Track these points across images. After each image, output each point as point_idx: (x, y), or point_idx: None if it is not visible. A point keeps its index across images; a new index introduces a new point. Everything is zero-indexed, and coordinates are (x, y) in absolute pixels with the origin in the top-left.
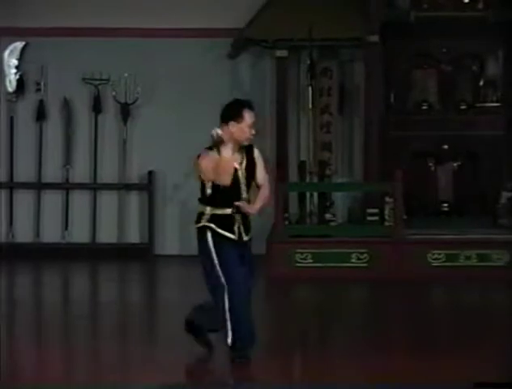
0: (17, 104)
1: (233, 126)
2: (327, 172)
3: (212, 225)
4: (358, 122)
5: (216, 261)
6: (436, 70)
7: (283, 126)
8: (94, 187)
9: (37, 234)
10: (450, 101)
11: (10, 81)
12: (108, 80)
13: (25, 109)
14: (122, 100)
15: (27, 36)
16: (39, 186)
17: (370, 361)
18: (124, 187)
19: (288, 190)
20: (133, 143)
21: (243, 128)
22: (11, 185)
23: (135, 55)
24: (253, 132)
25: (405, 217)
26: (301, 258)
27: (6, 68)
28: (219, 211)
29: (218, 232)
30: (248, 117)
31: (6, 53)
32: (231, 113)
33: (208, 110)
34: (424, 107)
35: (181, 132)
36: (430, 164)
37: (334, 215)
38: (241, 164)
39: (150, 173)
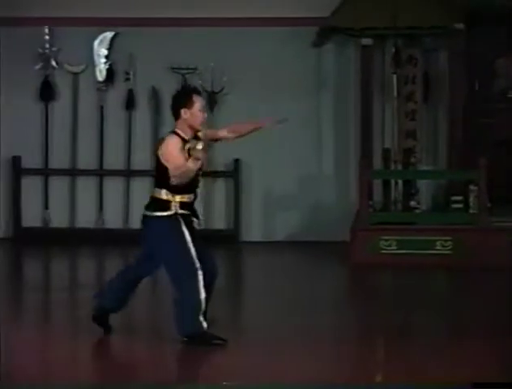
0: (107, 93)
1: (186, 113)
2: (412, 160)
3: (185, 212)
4: (442, 110)
5: (190, 245)
6: None
7: (367, 114)
8: None
9: (126, 220)
10: None
11: (100, 71)
12: (195, 69)
13: (114, 99)
14: (209, 89)
15: (117, 26)
16: (127, 174)
17: (451, 348)
18: (210, 175)
19: (373, 178)
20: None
21: (195, 113)
22: (101, 173)
23: (222, 45)
24: (205, 116)
25: (489, 205)
26: (386, 245)
27: (96, 58)
28: (186, 199)
29: (190, 219)
30: (198, 101)
31: (96, 42)
32: (181, 100)
33: (292, 99)
34: (509, 95)
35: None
36: None
37: (418, 203)
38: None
39: (236, 160)
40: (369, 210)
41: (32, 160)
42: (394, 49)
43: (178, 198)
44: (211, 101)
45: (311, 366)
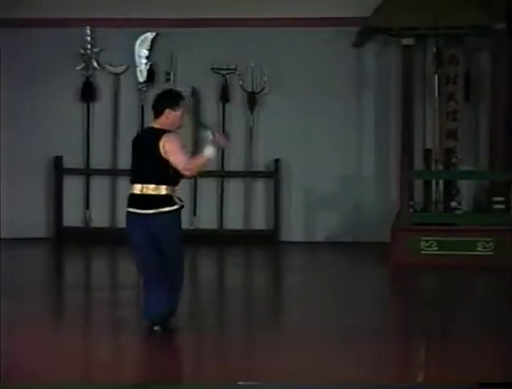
0: (147, 93)
1: (169, 113)
2: (453, 160)
3: (182, 204)
4: (484, 110)
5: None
6: None
7: (408, 114)
8: (221, 175)
9: None
10: None
11: (140, 71)
12: (235, 70)
13: None
14: (249, 89)
15: (158, 27)
16: None
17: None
18: (250, 175)
19: (413, 178)
20: (259, 131)
21: (178, 115)
22: None
23: (262, 45)
24: (183, 122)
25: None
26: (426, 246)
27: (137, 58)
28: (179, 192)
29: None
30: (182, 105)
31: (137, 43)
32: (168, 101)
33: (333, 99)
34: None
35: (306, 120)
36: None
37: (459, 204)
38: None
39: (276, 160)
40: (409, 210)
41: (73, 160)
42: (435, 49)
43: (175, 193)
44: (251, 101)
45: (351, 366)
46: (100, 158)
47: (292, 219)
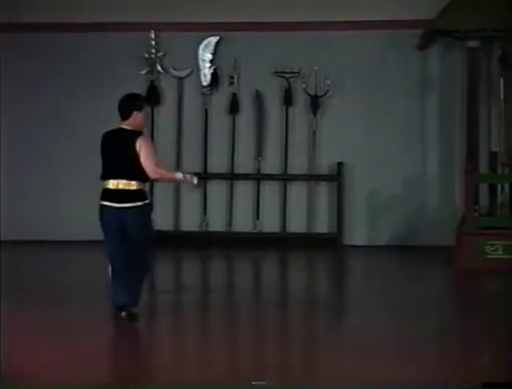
0: (211, 97)
1: (137, 115)
2: None
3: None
4: None
5: None
6: None
7: (473, 116)
8: (284, 178)
9: (230, 223)
10: None
11: (204, 75)
12: (298, 73)
13: (219, 102)
14: (312, 93)
15: (222, 31)
16: (231, 177)
17: None
18: (313, 178)
19: (478, 182)
20: (322, 134)
21: (143, 116)
22: (205, 176)
23: (325, 48)
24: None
25: None
26: (492, 250)
27: (200, 62)
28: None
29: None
30: (145, 106)
31: (201, 47)
32: (134, 104)
33: (397, 102)
34: None
35: (369, 123)
36: None
37: None
38: None
39: (339, 164)
40: (474, 214)
41: None
42: (500, 52)
43: (145, 187)
44: (314, 105)
45: (413, 368)
46: (164, 161)
47: (355, 222)
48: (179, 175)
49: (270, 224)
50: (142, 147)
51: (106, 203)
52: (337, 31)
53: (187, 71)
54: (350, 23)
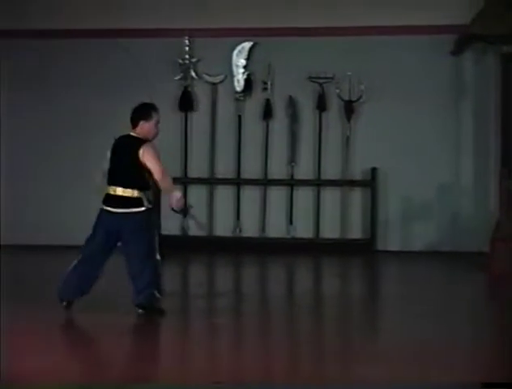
0: (244, 102)
1: (144, 124)
2: None
3: (150, 206)
4: None
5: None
6: None
7: (508, 122)
8: (317, 183)
9: (263, 229)
10: None
11: (238, 80)
12: (332, 78)
13: (252, 108)
14: (346, 98)
15: (255, 37)
16: (265, 183)
17: None
18: (347, 184)
19: None
20: (356, 139)
21: (151, 126)
22: (239, 182)
23: (359, 53)
24: (158, 131)
25: None
26: None
27: (234, 68)
28: (150, 196)
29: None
30: (155, 116)
31: (235, 53)
32: (141, 112)
33: (431, 107)
34: None
35: (403, 129)
36: None
37: None
38: None
39: (373, 169)
40: (509, 221)
41: (171, 169)
42: None
43: (146, 195)
44: (348, 110)
45: (450, 372)
46: (198, 167)
47: (389, 228)
48: (177, 194)
49: (303, 229)
50: (145, 154)
51: (104, 207)
52: (371, 36)
53: (221, 77)
54: (383, 28)
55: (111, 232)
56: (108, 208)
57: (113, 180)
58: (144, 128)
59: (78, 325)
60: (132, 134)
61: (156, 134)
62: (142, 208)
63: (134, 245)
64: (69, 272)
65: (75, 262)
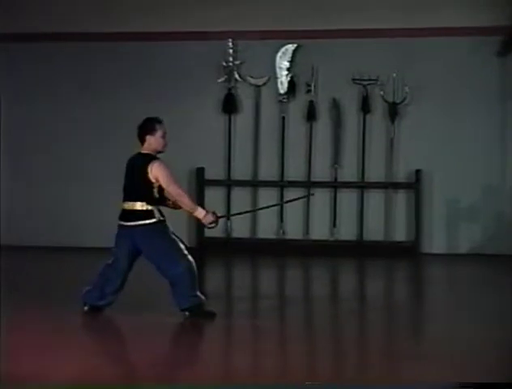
0: (288, 104)
1: (150, 139)
2: None
3: (163, 218)
4: None
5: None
6: None
7: None
8: (361, 186)
9: (306, 231)
10: None
11: (281, 83)
12: (376, 80)
13: (296, 110)
14: (390, 100)
15: (299, 39)
16: (309, 185)
17: None
18: (391, 186)
19: None
20: (400, 141)
21: (158, 138)
22: (282, 184)
23: (403, 55)
24: (166, 142)
25: None
26: None
27: (278, 70)
28: (161, 207)
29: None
30: (159, 128)
31: (279, 55)
32: (145, 128)
33: (476, 109)
34: None
35: (448, 131)
36: None
37: None
38: None
39: (417, 171)
40: None
41: (215, 171)
42: None
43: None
44: (392, 112)
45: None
46: (241, 169)
47: (433, 230)
48: (201, 211)
49: (347, 231)
50: (156, 173)
51: (119, 221)
52: (415, 37)
53: (264, 79)
54: (429, 30)
55: (127, 245)
56: (121, 222)
57: (127, 196)
58: (151, 142)
59: (131, 326)
60: (142, 151)
61: (165, 145)
62: (153, 220)
63: (152, 253)
64: (98, 277)
65: (102, 267)
